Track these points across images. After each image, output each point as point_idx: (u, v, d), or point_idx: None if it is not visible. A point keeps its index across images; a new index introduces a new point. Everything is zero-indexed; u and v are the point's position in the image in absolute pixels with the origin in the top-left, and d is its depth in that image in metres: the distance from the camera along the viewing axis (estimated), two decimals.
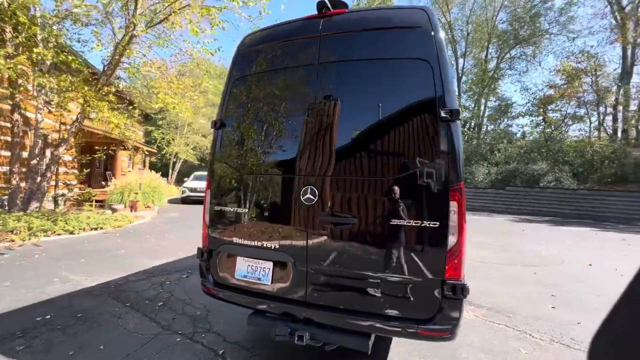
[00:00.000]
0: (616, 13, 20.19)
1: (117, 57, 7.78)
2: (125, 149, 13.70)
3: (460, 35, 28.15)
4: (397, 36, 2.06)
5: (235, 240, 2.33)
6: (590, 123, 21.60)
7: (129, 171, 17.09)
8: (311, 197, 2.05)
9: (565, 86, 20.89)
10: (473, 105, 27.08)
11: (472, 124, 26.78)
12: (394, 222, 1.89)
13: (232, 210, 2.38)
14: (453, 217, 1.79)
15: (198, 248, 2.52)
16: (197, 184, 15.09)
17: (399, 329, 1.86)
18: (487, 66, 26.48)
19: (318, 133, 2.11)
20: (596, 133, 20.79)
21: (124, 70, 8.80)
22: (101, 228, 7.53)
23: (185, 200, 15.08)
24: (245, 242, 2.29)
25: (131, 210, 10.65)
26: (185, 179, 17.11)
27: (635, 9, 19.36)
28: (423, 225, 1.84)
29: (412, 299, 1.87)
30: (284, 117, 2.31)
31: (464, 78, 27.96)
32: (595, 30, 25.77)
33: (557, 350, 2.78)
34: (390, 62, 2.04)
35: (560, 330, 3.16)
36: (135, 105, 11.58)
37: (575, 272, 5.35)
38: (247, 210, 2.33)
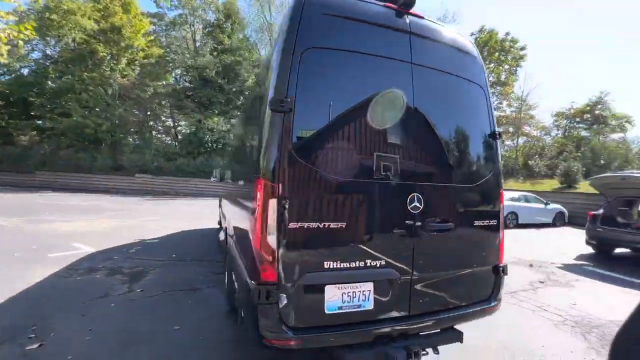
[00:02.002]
0: None
1: None
2: None
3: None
4: (463, 58, 2.39)
5: (327, 264, 1.84)
6: None
7: None
8: (417, 204, 2.03)
9: None
10: None
11: None
12: (477, 223, 2.31)
13: (321, 226, 1.82)
14: (500, 215, 2.39)
15: (255, 287, 1.75)
16: None
17: (477, 311, 2.27)
18: None
19: (418, 138, 2.12)
20: None
21: None
22: None
23: None
24: (341, 265, 1.86)
25: None
26: None
27: None
28: (491, 223, 2.37)
29: (482, 284, 2.34)
30: (379, 113, 1.99)
31: None
32: None
33: None
34: (463, 81, 2.34)
35: None
36: None
37: None
38: (342, 224, 1.86)
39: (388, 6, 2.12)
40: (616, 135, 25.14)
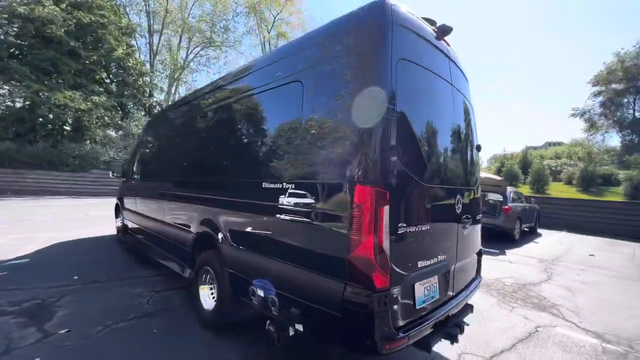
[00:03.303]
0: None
1: None
2: None
3: (157, 5, 26.23)
4: (465, 80, 2.91)
5: (420, 264, 2.03)
6: None
7: None
8: (460, 205, 2.46)
9: None
10: (166, 87, 27.41)
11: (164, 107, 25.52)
12: (477, 217, 2.92)
13: (417, 229, 1.98)
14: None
15: (373, 296, 1.68)
16: None
17: (477, 286, 2.88)
18: (179, 54, 27.94)
19: (457, 149, 2.55)
20: None
21: None
22: None
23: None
24: (427, 262, 2.08)
25: None
26: None
27: None
28: (480, 217, 3.05)
29: (474, 265, 2.96)
30: (438, 124, 2.31)
31: (158, 57, 27.22)
32: None
33: None
34: (467, 101, 2.84)
35: None
36: None
37: None
38: (428, 226, 2.07)
39: (435, 30, 2.38)
40: None
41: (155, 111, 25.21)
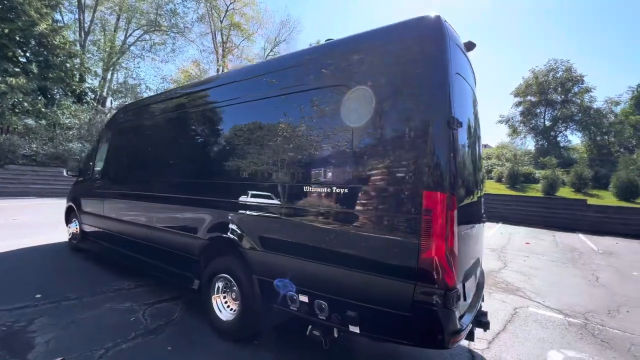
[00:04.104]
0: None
1: None
2: None
3: None
4: None
5: (469, 262, 2.35)
6: None
7: None
8: (483, 205, 2.87)
9: None
10: (101, 72, 23.86)
11: (98, 94, 23.31)
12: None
13: (466, 231, 2.28)
14: None
15: (448, 294, 1.81)
16: None
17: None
18: (116, 35, 24.80)
19: (477, 153, 2.77)
20: None
21: None
22: None
23: None
24: (471, 260, 2.43)
25: None
26: None
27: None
28: None
29: None
30: (471, 131, 2.53)
31: (91, 37, 23.68)
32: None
33: None
34: None
35: None
36: None
37: None
38: (472, 226, 2.41)
39: (465, 44, 2.59)
40: None
41: (89, 98, 22.17)
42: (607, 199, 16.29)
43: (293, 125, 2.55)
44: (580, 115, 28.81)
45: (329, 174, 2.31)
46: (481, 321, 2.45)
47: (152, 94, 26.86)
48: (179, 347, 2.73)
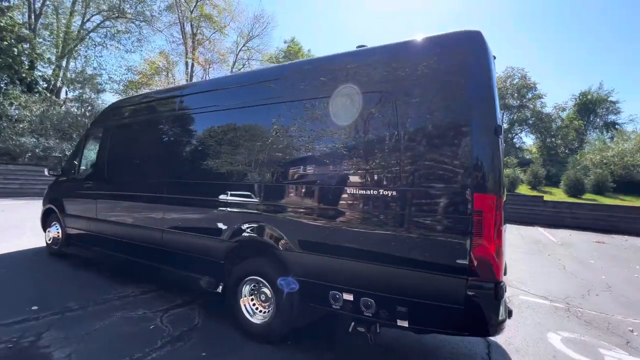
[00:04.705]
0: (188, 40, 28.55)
1: None
2: None
3: None
4: None
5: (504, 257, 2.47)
6: None
7: None
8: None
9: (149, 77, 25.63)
10: (54, 59, 21.49)
11: (52, 84, 21.32)
12: None
13: (503, 229, 2.32)
14: None
15: (498, 287, 2.03)
16: None
17: None
18: (72, 20, 22.49)
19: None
20: None
21: None
22: None
23: None
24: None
25: None
26: None
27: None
28: None
29: None
30: None
31: (42, 19, 21.39)
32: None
33: None
34: None
35: None
36: None
37: None
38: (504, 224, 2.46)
39: None
40: None
41: (41, 88, 20.03)
42: (558, 195, 18.17)
43: (344, 128, 2.60)
44: (533, 119, 31.68)
45: (377, 177, 2.41)
46: (507, 308, 2.70)
47: (115, 85, 24.77)
48: (213, 352, 2.67)
